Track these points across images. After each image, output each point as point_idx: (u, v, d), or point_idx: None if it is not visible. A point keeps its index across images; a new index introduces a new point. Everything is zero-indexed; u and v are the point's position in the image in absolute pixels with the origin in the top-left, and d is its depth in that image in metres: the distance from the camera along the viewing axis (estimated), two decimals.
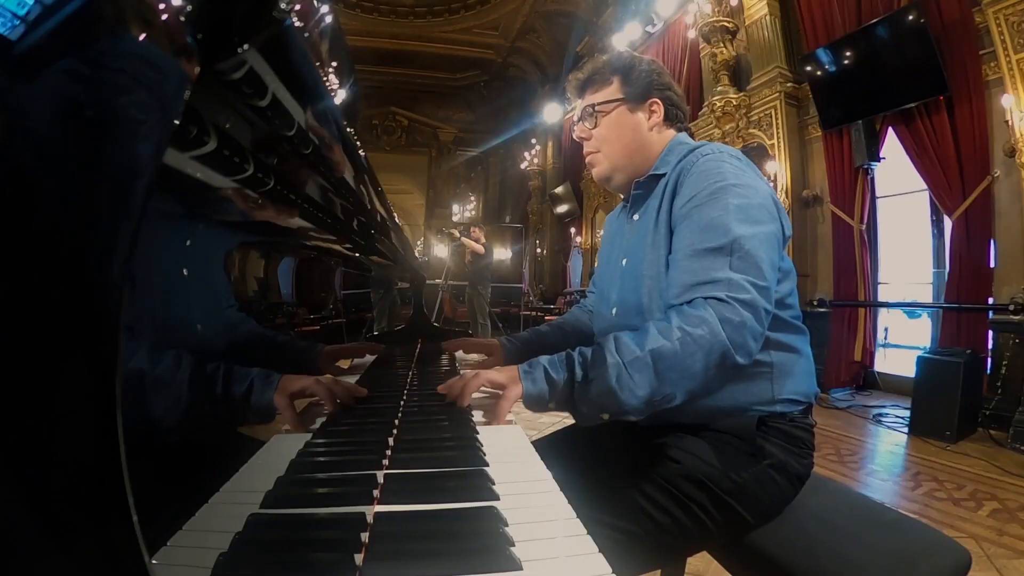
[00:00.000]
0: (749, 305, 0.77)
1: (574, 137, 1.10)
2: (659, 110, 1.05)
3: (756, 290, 0.78)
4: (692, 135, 1.11)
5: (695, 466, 0.84)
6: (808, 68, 4.57)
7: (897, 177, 4.42)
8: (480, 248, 6.41)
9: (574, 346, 1.19)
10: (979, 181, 3.56)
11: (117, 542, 0.26)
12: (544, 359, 0.80)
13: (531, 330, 1.28)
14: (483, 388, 0.82)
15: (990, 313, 3.51)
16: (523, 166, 11.31)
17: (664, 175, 0.99)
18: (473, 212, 13.29)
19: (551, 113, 9.48)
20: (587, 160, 1.09)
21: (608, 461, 0.90)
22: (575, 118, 1.10)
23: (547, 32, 9.88)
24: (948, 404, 3.11)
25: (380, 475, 0.54)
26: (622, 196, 1.14)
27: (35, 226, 0.28)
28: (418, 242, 12.04)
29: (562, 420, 3.42)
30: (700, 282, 0.80)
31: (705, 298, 0.78)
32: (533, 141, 11.06)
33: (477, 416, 0.81)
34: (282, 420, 0.70)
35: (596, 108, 1.04)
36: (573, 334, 1.26)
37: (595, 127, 1.05)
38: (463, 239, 6.33)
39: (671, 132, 1.07)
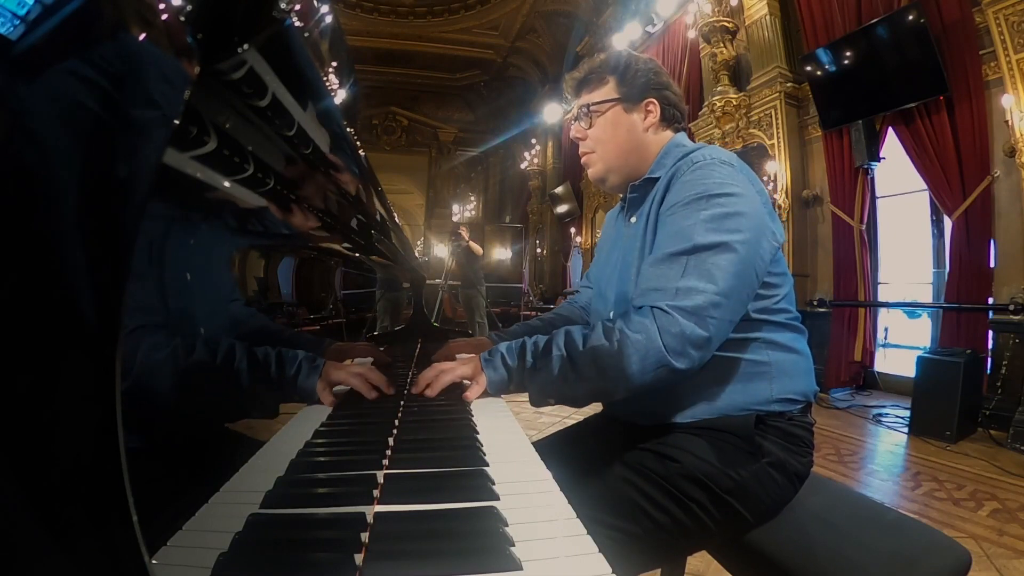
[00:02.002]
0: (692, 313, 0.78)
1: (571, 137, 1.10)
2: (655, 110, 1.03)
3: (707, 297, 0.79)
4: (692, 135, 1.11)
5: (694, 465, 0.84)
6: (808, 68, 4.57)
7: (897, 177, 4.42)
8: (480, 249, 6.47)
9: None
10: (979, 181, 3.56)
11: (117, 542, 0.26)
12: (503, 346, 0.88)
13: (521, 324, 1.27)
14: (455, 381, 0.90)
15: (990, 313, 3.51)
16: (523, 166, 11.30)
17: (659, 178, 0.98)
18: (473, 212, 13.30)
19: (551, 113, 9.48)
20: (582, 160, 1.09)
21: (608, 461, 0.90)
22: (571, 117, 1.08)
23: (547, 32, 9.88)
24: (948, 404, 3.11)
25: (380, 475, 0.54)
26: (620, 196, 1.14)
27: (36, 225, 0.28)
28: (418, 242, 12.05)
29: (562, 420, 3.43)
30: (651, 288, 0.83)
31: (651, 307, 0.80)
32: (533, 141, 11.06)
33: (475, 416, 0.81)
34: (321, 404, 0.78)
35: (591, 108, 1.04)
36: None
37: (590, 127, 1.04)
38: (470, 243, 6.36)
39: (668, 133, 1.06)
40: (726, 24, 5.35)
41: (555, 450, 0.97)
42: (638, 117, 1.03)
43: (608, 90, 1.03)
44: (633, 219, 1.04)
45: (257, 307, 0.73)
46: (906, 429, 3.32)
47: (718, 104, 5.34)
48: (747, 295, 0.86)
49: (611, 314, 1.03)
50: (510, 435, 0.73)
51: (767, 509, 0.85)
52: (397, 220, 1.34)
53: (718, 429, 0.88)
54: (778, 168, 4.91)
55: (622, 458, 0.89)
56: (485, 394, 0.89)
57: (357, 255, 1.29)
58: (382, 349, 1.39)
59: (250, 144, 0.54)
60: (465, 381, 0.91)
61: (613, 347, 0.79)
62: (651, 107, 1.03)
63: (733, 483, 0.83)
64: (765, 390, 0.89)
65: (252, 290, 0.73)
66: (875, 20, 3.98)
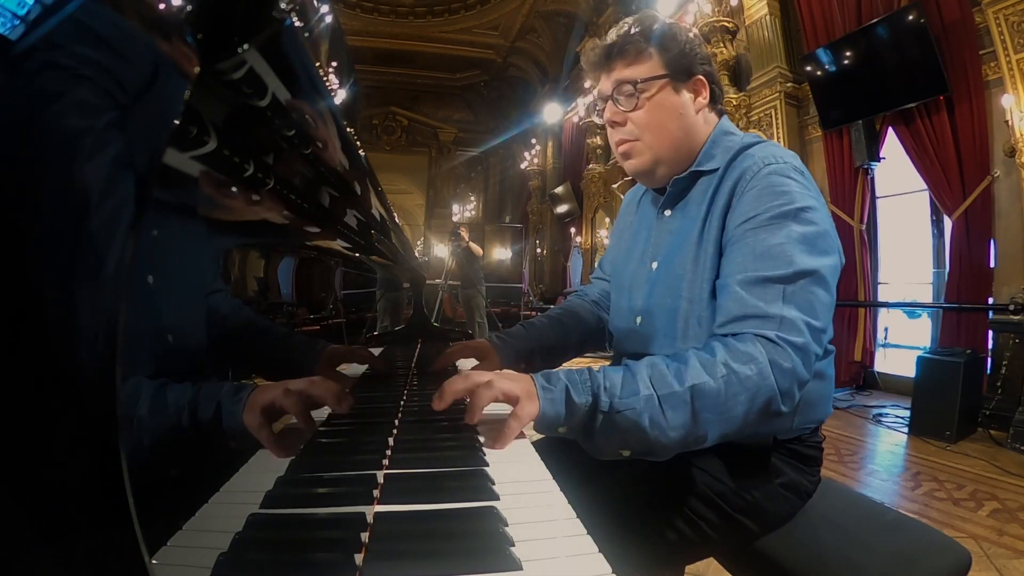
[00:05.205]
0: (800, 350, 0.68)
1: (605, 120, 0.91)
2: (704, 90, 0.88)
3: (809, 332, 0.69)
4: None
5: (706, 482, 0.80)
6: (808, 68, 4.57)
7: (897, 177, 4.42)
8: (479, 249, 6.50)
9: (576, 343, 1.12)
10: (979, 181, 3.56)
11: (117, 542, 0.26)
12: (564, 375, 0.68)
13: (525, 323, 1.07)
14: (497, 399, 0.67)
15: (990, 313, 3.51)
16: (523, 166, 11.31)
17: (709, 173, 0.86)
18: (473, 212, 13.31)
19: (551, 113, 9.48)
20: (620, 149, 0.90)
21: (611, 468, 0.85)
22: (600, 93, 0.91)
23: (547, 32, 9.89)
24: (948, 404, 3.11)
25: (380, 475, 0.54)
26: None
27: (37, 227, 0.28)
28: (418, 242, 12.05)
29: None
30: (750, 315, 0.70)
31: (755, 334, 0.68)
32: (533, 141, 11.06)
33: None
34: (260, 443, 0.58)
35: (638, 86, 0.85)
36: (574, 329, 1.11)
37: (634, 109, 0.86)
38: (471, 244, 6.38)
39: (714, 118, 0.92)
40: (726, 24, 5.36)
41: (555, 450, 0.95)
42: (688, 97, 0.88)
43: (653, 65, 0.86)
44: (668, 212, 0.92)
45: (255, 308, 0.73)
46: (906, 429, 3.32)
47: None
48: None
49: (638, 320, 0.93)
50: None
51: (774, 522, 0.83)
52: (397, 220, 1.34)
53: (733, 448, 0.81)
54: None
55: (628, 468, 0.84)
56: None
57: (357, 255, 1.29)
58: (380, 352, 1.39)
59: (250, 144, 0.54)
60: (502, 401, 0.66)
61: (719, 385, 0.64)
62: (700, 86, 0.88)
63: (744, 502, 0.80)
64: (787, 421, 0.83)
65: (251, 290, 0.73)
66: (875, 20, 3.98)
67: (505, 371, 0.70)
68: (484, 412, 0.66)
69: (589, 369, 0.69)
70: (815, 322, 0.70)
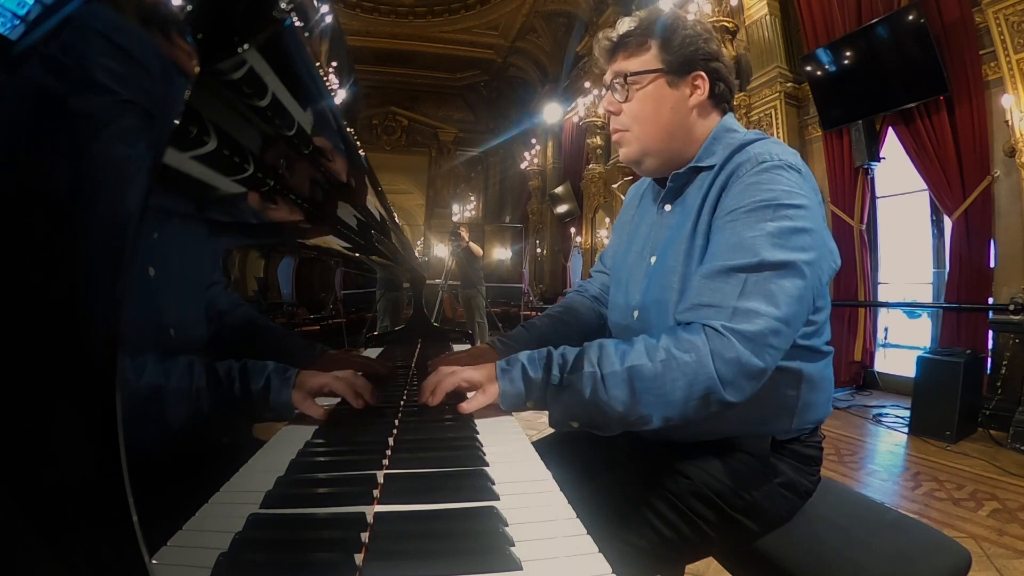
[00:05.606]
0: (750, 340, 0.69)
1: (602, 109, 0.95)
2: (703, 86, 0.89)
3: (769, 321, 0.70)
4: None
5: (705, 482, 0.81)
6: (808, 68, 4.57)
7: (897, 177, 4.42)
8: (479, 249, 6.51)
9: (577, 342, 1.14)
10: (979, 181, 3.56)
11: (117, 542, 0.26)
12: (523, 356, 0.77)
13: (526, 324, 1.10)
14: (460, 386, 0.79)
15: (990, 313, 3.51)
16: (523, 166, 11.31)
17: (708, 169, 0.87)
18: (473, 212, 13.31)
19: (551, 113, 9.48)
20: (614, 138, 0.94)
21: (610, 467, 0.87)
22: (604, 82, 0.94)
23: (547, 32, 9.89)
24: (948, 404, 3.11)
25: (380, 475, 0.54)
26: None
27: (36, 228, 0.28)
28: (418, 242, 12.06)
29: None
30: (704, 304, 0.73)
31: (703, 324, 0.71)
32: (533, 141, 11.06)
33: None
34: (302, 418, 0.71)
35: (629, 79, 0.89)
36: (575, 327, 1.12)
37: (626, 100, 0.90)
38: (471, 244, 6.39)
39: (715, 116, 0.92)
40: (726, 24, 5.36)
41: (555, 450, 0.95)
42: (684, 93, 0.89)
43: (650, 58, 0.88)
44: (668, 207, 0.93)
45: (256, 308, 0.73)
46: (906, 429, 3.32)
47: None
48: (802, 323, 0.76)
49: (635, 315, 0.93)
50: (510, 435, 0.73)
51: (773, 522, 0.84)
52: (397, 220, 1.33)
53: (732, 448, 0.84)
54: None
55: (626, 467, 0.86)
56: (489, 409, 0.77)
57: (357, 255, 1.29)
58: (381, 352, 1.39)
59: (250, 144, 0.54)
60: (466, 388, 0.79)
61: (657, 368, 0.69)
62: (699, 82, 0.89)
63: (743, 502, 0.80)
64: (786, 423, 0.84)
65: (251, 290, 0.73)
66: (875, 20, 3.98)
67: (476, 365, 0.79)
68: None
69: (548, 349, 0.77)
70: (775, 311, 0.70)
